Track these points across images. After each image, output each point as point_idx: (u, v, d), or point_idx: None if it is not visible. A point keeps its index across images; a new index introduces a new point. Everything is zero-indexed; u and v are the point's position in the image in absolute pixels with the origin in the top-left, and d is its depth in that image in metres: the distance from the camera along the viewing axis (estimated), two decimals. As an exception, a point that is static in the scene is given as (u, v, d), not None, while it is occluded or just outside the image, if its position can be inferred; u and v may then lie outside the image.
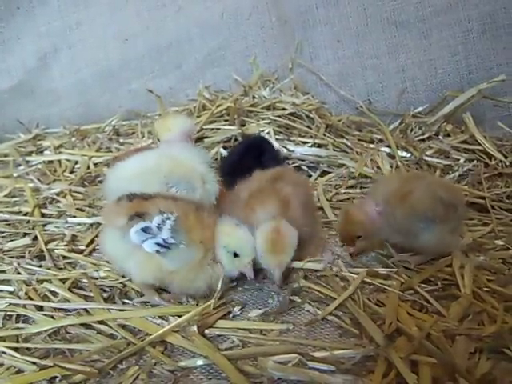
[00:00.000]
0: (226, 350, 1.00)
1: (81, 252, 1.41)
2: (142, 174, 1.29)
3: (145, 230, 1.07)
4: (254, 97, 2.27)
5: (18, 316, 1.14)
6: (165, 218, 1.08)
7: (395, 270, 1.25)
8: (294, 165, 1.94)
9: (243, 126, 2.07)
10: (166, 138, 1.52)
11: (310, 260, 1.26)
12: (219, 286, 1.13)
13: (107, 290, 1.23)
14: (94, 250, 1.43)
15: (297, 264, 1.24)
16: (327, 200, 1.69)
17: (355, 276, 1.20)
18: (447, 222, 1.25)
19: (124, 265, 1.15)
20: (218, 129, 2.08)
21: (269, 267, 1.15)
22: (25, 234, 1.49)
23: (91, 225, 1.55)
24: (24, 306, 1.15)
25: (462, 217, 1.34)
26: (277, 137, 2.01)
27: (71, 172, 1.98)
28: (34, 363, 0.97)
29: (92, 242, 1.46)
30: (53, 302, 1.17)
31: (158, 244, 1.08)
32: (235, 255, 1.14)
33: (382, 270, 1.25)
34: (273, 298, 1.18)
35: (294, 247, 1.15)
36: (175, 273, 1.11)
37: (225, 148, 2.00)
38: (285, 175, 1.34)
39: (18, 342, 1.05)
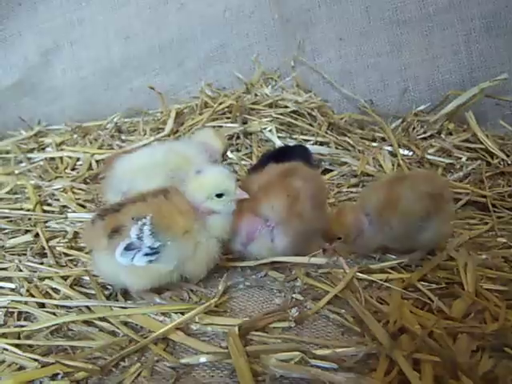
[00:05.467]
0: (226, 348, 0.99)
1: (82, 249, 1.40)
2: (148, 167, 1.29)
3: (128, 248, 1.04)
4: (256, 94, 2.27)
5: (20, 313, 1.14)
6: (140, 225, 1.04)
7: (395, 266, 1.26)
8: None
9: (245, 123, 2.08)
10: None
11: (313, 255, 1.25)
12: (221, 285, 1.14)
13: (109, 287, 1.23)
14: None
15: (302, 259, 1.24)
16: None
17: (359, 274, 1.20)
18: (440, 213, 1.27)
19: (123, 280, 1.12)
20: (220, 126, 2.08)
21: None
22: (26, 231, 1.49)
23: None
24: (26, 303, 1.15)
25: (449, 204, 1.34)
26: (279, 135, 2.01)
27: (73, 169, 1.98)
28: (35, 360, 0.97)
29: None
30: (54, 299, 1.17)
31: (147, 254, 1.05)
32: (219, 196, 1.12)
33: (380, 267, 1.26)
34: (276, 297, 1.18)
35: None
36: (185, 265, 1.10)
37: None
38: (297, 170, 1.31)
39: (19, 338, 1.05)
